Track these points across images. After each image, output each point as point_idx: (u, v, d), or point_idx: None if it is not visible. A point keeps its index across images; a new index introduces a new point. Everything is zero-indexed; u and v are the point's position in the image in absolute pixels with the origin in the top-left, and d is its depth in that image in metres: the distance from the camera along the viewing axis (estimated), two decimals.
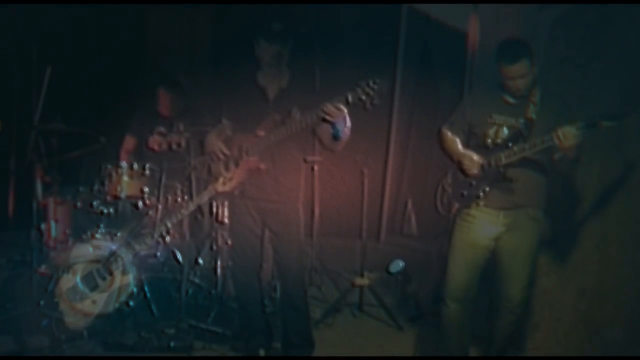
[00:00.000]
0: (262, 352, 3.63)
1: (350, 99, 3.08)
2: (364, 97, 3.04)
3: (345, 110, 3.13)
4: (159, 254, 4.31)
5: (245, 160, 3.41)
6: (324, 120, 3.17)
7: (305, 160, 3.69)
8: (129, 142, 4.70)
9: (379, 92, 3.03)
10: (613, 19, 3.42)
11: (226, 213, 4.13)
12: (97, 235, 4.14)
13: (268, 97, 3.44)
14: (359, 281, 4.44)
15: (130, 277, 3.81)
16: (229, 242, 3.90)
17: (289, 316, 3.58)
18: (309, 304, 3.66)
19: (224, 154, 3.47)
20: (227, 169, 3.47)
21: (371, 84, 3.03)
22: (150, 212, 4.25)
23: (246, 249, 3.58)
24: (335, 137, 3.33)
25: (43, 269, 4.31)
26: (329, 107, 3.12)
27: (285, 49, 3.39)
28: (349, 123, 3.27)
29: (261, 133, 3.37)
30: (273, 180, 3.44)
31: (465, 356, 3.42)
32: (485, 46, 4.31)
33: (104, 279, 3.74)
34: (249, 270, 3.61)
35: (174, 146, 3.92)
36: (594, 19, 3.52)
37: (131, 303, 4.07)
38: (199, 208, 4.28)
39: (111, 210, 4.29)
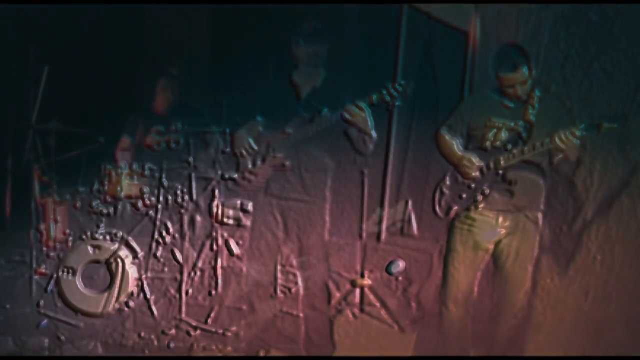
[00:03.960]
0: (262, 353, 3.63)
1: (374, 99, 3.13)
2: (388, 98, 3.09)
3: (367, 111, 3.18)
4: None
5: (272, 157, 3.43)
6: (345, 121, 3.22)
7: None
8: (124, 142, 4.69)
9: (402, 93, 3.09)
10: (614, 18, 3.42)
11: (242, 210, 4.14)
12: (97, 236, 4.15)
13: (300, 95, 3.48)
14: (359, 281, 4.42)
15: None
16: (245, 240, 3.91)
17: (310, 316, 3.60)
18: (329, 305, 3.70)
19: (253, 150, 3.50)
20: (254, 164, 3.50)
21: (396, 85, 3.09)
22: (150, 212, 4.25)
23: (263, 250, 3.59)
24: (362, 139, 3.37)
25: (42, 269, 4.31)
26: (350, 107, 3.17)
27: (324, 50, 3.43)
28: (371, 124, 3.31)
29: (289, 131, 3.40)
30: (297, 178, 3.47)
31: (466, 357, 3.42)
32: (486, 46, 4.30)
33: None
34: (263, 271, 3.62)
35: (173, 144, 3.92)
36: (595, 18, 3.52)
37: (131, 303, 4.08)
38: (199, 208, 4.27)
39: (111, 210, 4.28)
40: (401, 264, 4.75)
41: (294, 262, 3.81)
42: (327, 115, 3.35)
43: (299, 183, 3.52)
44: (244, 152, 3.53)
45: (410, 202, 3.89)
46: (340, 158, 4.41)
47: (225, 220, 4.14)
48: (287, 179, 3.50)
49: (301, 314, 3.65)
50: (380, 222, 3.74)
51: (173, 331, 3.82)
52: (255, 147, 3.52)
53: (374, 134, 3.45)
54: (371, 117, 3.34)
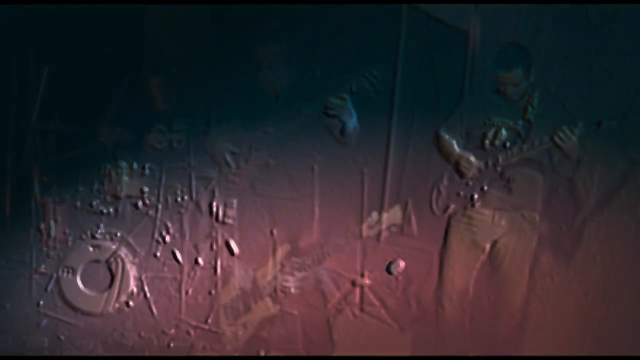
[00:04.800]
0: (262, 353, 3.63)
1: (354, 88, 3.15)
2: (367, 86, 3.12)
3: (349, 102, 3.20)
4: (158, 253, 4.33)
5: (254, 156, 3.44)
6: (328, 114, 3.23)
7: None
8: (125, 141, 4.69)
9: (382, 80, 3.11)
10: (614, 18, 3.43)
11: (235, 210, 4.15)
12: (97, 235, 4.16)
13: (277, 94, 3.49)
14: (359, 281, 4.43)
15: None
16: (234, 240, 3.91)
17: (308, 315, 3.62)
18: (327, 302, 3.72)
19: (233, 153, 3.51)
20: (237, 166, 3.51)
21: (375, 72, 3.11)
22: (150, 212, 4.25)
23: (253, 248, 3.59)
24: (343, 130, 3.38)
25: (42, 269, 4.31)
26: (331, 100, 3.18)
27: (291, 48, 3.44)
28: (354, 115, 3.32)
29: (270, 130, 3.41)
30: (284, 176, 3.48)
31: (465, 357, 3.42)
32: (486, 46, 4.31)
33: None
34: (254, 270, 3.63)
35: (175, 144, 3.94)
36: (595, 18, 3.52)
37: (131, 303, 4.09)
38: (199, 208, 4.27)
39: (111, 210, 4.29)
40: (401, 264, 4.76)
41: (292, 261, 3.81)
42: (308, 112, 3.38)
43: (287, 182, 3.53)
44: (222, 158, 3.56)
45: (410, 202, 3.90)
46: (330, 154, 4.42)
47: (225, 220, 4.15)
48: (273, 179, 3.52)
49: (299, 314, 3.65)
50: (374, 226, 3.75)
51: (173, 331, 3.82)
52: (237, 150, 3.53)
53: (356, 124, 3.46)
54: (353, 107, 3.36)
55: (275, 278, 4.27)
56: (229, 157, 3.61)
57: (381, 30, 5.03)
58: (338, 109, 3.34)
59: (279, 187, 3.58)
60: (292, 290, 3.91)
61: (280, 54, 3.52)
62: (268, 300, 3.89)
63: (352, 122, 3.46)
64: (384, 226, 3.68)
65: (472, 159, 3.21)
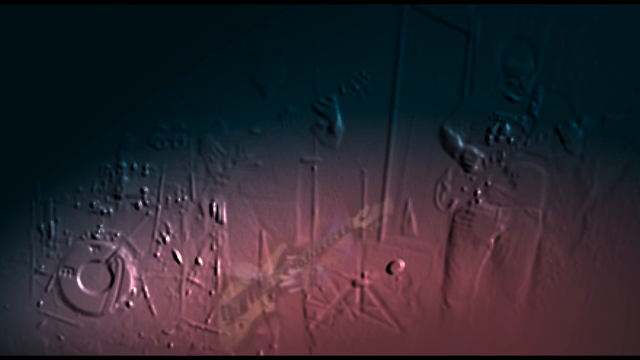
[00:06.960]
0: (262, 352, 3.63)
1: (343, 88, 3.15)
2: (357, 86, 3.12)
3: (336, 104, 3.21)
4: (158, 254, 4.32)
5: (242, 158, 3.44)
6: (317, 113, 3.24)
7: (303, 160, 3.71)
8: (125, 140, 4.69)
9: (372, 80, 3.12)
10: (615, 17, 3.44)
11: (225, 213, 4.15)
12: (97, 235, 4.15)
13: (265, 94, 3.49)
14: (359, 281, 4.43)
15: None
16: (227, 240, 3.92)
17: (302, 313, 3.63)
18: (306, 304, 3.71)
19: (221, 154, 3.51)
20: (224, 167, 3.50)
21: (364, 72, 3.12)
22: (150, 212, 4.25)
23: (245, 249, 3.59)
24: (330, 131, 3.39)
25: (42, 269, 4.31)
26: (320, 100, 3.19)
27: (283, 48, 3.44)
28: (339, 117, 3.34)
29: (257, 130, 3.41)
30: (271, 178, 3.47)
31: (467, 356, 3.42)
32: (486, 45, 4.32)
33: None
34: (248, 270, 3.62)
35: (176, 144, 3.94)
36: (596, 17, 3.53)
37: (131, 303, 4.08)
38: (199, 208, 4.28)
39: (111, 210, 4.29)
40: (401, 264, 4.76)
41: (287, 259, 3.82)
42: (295, 112, 3.39)
43: (274, 183, 3.54)
44: (212, 157, 3.58)
45: (410, 202, 3.90)
46: (330, 154, 4.43)
47: (225, 220, 4.15)
48: (262, 180, 3.53)
49: (295, 312, 3.66)
50: (366, 217, 3.76)
51: (173, 331, 3.82)
52: (224, 151, 3.55)
53: (341, 125, 3.47)
54: (338, 108, 3.37)
55: (271, 276, 4.28)
56: (218, 157, 3.62)
57: (381, 30, 5.06)
58: (325, 109, 3.36)
59: (269, 189, 3.58)
60: (287, 288, 3.91)
61: (273, 54, 3.52)
62: (264, 299, 3.90)
63: (338, 123, 3.47)
64: (376, 217, 3.68)
65: (477, 152, 3.22)
